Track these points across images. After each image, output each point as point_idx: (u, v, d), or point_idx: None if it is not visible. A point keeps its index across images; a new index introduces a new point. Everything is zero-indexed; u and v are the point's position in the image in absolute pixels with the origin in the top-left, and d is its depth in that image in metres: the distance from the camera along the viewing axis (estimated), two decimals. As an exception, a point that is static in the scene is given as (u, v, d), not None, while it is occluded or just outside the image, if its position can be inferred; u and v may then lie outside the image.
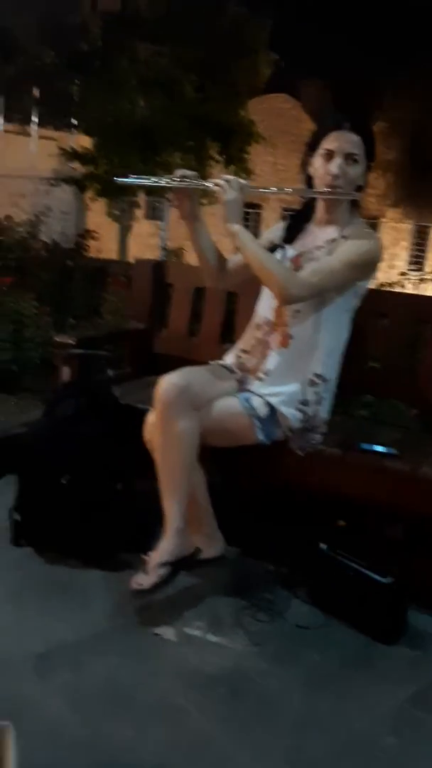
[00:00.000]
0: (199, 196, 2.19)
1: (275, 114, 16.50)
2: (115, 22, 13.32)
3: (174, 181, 2.09)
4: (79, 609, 2.02)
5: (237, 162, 12.60)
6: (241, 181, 2.08)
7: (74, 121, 13.00)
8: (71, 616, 1.98)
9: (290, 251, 2.21)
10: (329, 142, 2.06)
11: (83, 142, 12.85)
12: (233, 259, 2.30)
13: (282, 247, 2.23)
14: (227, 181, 2.05)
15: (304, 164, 2.16)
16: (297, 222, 2.26)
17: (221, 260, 2.31)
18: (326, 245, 2.13)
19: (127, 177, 2.30)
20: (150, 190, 12.21)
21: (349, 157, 2.06)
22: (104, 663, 1.81)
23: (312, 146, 2.12)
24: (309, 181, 2.16)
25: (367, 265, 2.14)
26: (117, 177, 2.26)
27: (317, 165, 2.10)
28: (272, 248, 2.22)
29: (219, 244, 2.28)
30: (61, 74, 12.11)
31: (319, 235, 2.18)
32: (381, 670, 1.88)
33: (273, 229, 2.35)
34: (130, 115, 11.41)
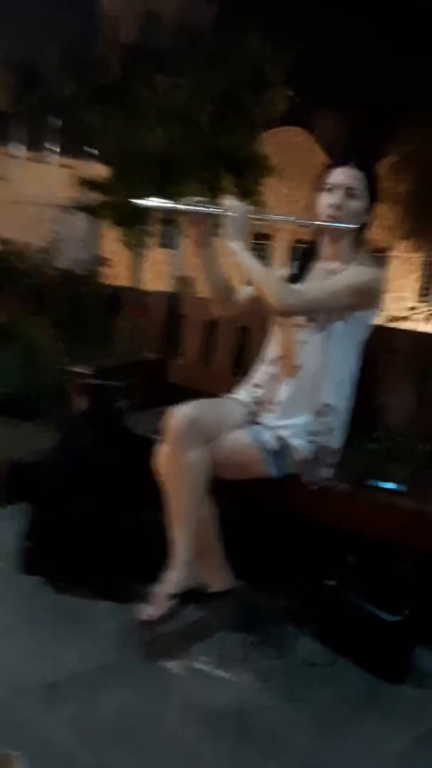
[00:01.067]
0: (211, 225, 2.26)
1: (288, 147, 16.72)
2: (135, 54, 13.60)
3: (189, 205, 2.20)
4: (89, 639, 2.03)
5: (250, 194, 12.75)
6: (246, 207, 2.18)
7: (93, 151, 13.22)
8: (81, 647, 1.99)
9: (305, 286, 2.25)
10: (331, 178, 2.16)
11: (100, 171, 13.05)
12: (243, 291, 2.36)
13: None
14: (234, 205, 2.15)
15: (314, 205, 2.23)
16: (305, 261, 2.31)
17: (229, 289, 2.37)
18: (328, 275, 2.19)
19: (143, 200, 2.38)
20: (164, 219, 12.36)
21: (349, 191, 2.13)
22: (113, 695, 1.81)
23: (320, 186, 2.20)
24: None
25: (368, 292, 2.17)
26: (135, 201, 2.36)
27: (320, 200, 2.18)
28: None
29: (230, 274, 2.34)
30: (82, 105, 12.34)
31: (323, 270, 2.24)
32: (388, 709, 1.87)
33: (279, 270, 2.38)
34: (147, 145, 11.59)
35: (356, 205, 2.15)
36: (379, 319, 2.31)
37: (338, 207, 2.13)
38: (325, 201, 2.15)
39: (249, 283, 2.23)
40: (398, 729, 1.80)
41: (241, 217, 2.14)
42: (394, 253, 18.21)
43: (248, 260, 2.14)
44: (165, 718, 1.77)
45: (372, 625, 2.00)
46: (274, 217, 2.39)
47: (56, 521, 2.27)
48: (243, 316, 2.50)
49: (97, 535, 2.24)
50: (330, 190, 2.15)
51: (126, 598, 2.21)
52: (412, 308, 5.46)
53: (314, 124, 19.48)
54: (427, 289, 20.23)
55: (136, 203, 2.38)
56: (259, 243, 12.08)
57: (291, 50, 12.41)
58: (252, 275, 2.15)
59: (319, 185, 2.20)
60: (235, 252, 2.13)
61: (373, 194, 2.18)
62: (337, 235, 2.19)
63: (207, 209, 2.20)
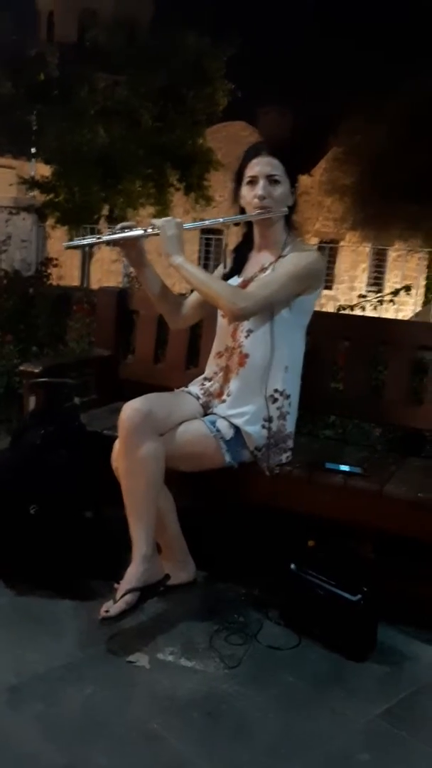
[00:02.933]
0: (144, 244, 2.27)
1: (234, 141, 16.70)
2: (73, 52, 13.46)
3: (116, 233, 2.23)
4: (51, 639, 2.01)
5: (197, 189, 12.75)
6: (177, 220, 2.21)
7: (33, 150, 13.05)
8: (43, 647, 1.97)
9: (236, 280, 2.28)
10: (250, 169, 2.18)
11: (43, 170, 12.88)
12: (188, 300, 2.40)
13: (225, 276, 2.31)
14: (164, 223, 2.18)
15: (235, 198, 2.26)
16: (240, 253, 2.34)
17: (177, 302, 2.41)
18: (268, 266, 2.21)
19: (72, 241, 2.48)
20: (111, 218, 12.28)
21: (271, 178, 2.16)
22: (78, 692, 1.79)
23: (238, 180, 2.23)
24: (242, 212, 2.26)
25: (309, 275, 2.20)
26: (65, 243, 2.42)
27: (244, 193, 2.21)
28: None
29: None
30: (19, 104, 12.15)
31: (260, 260, 2.27)
32: (353, 687, 1.90)
33: (218, 270, 2.40)
34: (89, 143, 11.48)
35: (280, 190, 2.17)
36: (330, 308, 2.34)
37: (264, 196, 2.15)
38: (251, 193, 2.18)
39: (199, 292, 2.24)
40: (363, 706, 1.82)
41: (175, 233, 2.16)
42: (344, 244, 18.42)
43: (194, 272, 2.17)
44: (132, 711, 1.76)
45: (334, 605, 2.03)
46: (207, 222, 2.37)
47: (12, 522, 2.23)
48: (193, 322, 2.51)
49: (55, 534, 2.21)
50: (251, 182, 2.18)
51: (87, 595, 2.19)
52: (362, 296, 5.52)
53: (257, 119, 19.57)
54: (375, 278, 20.52)
55: (68, 245, 2.41)
56: (211, 238, 12.09)
57: (229, 45, 12.44)
58: (200, 286, 2.17)
59: (237, 180, 2.23)
60: (179, 267, 2.16)
61: (292, 177, 2.21)
62: (269, 223, 2.22)
63: (136, 233, 2.21)
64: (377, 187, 14.47)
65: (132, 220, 2.25)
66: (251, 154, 2.20)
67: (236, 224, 2.31)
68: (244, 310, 2.12)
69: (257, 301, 2.12)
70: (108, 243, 2.32)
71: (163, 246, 2.16)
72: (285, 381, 2.20)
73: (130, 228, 2.24)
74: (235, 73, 13.24)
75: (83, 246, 2.48)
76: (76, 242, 2.48)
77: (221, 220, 2.28)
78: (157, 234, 2.19)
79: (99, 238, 2.35)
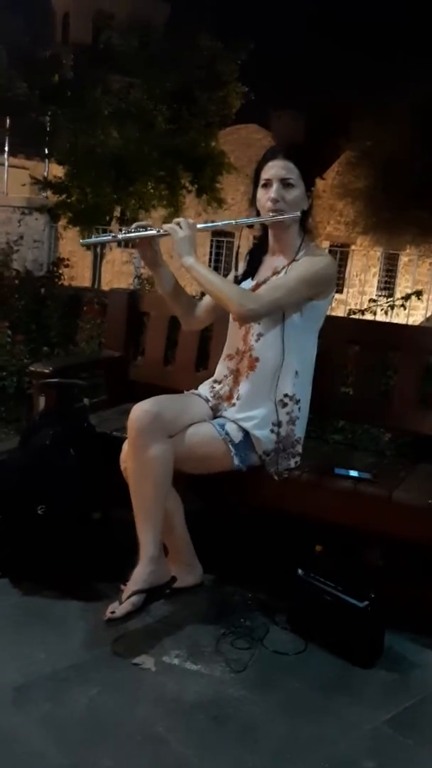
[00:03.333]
0: (158, 244, 2.28)
1: (246, 144, 16.74)
2: (87, 54, 13.48)
3: (131, 232, 2.25)
4: (58, 640, 2.01)
5: (209, 192, 12.75)
6: (190, 221, 2.21)
7: (47, 151, 13.08)
8: (49, 647, 1.97)
9: (249, 283, 2.27)
10: (266, 172, 2.18)
11: (56, 171, 12.91)
12: (202, 303, 2.39)
13: (238, 278, 2.30)
14: (177, 223, 2.19)
15: (253, 200, 2.25)
16: (255, 256, 2.34)
17: (191, 303, 2.41)
18: (281, 270, 2.21)
19: (89, 238, 2.56)
20: (123, 219, 12.30)
21: (285, 182, 2.15)
22: (83, 693, 1.80)
23: (255, 182, 2.23)
24: (258, 215, 2.24)
25: (321, 281, 2.19)
26: (82, 240, 2.57)
27: (259, 196, 2.20)
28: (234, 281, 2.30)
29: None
30: (34, 105, 12.19)
31: (273, 263, 2.26)
32: (359, 694, 1.89)
33: (229, 276, 2.40)
34: (102, 145, 11.51)
35: (294, 194, 2.17)
36: (340, 311, 2.33)
37: (277, 199, 2.15)
38: (264, 196, 2.18)
39: (209, 294, 2.25)
40: (369, 713, 1.81)
41: (188, 234, 2.16)
42: (355, 248, 18.40)
43: (204, 273, 2.17)
44: (137, 713, 1.76)
45: (341, 611, 2.02)
46: (219, 224, 2.38)
47: (20, 522, 2.24)
48: (206, 324, 2.51)
49: (63, 534, 2.21)
50: (266, 185, 2.18)
51: (94, 597, 2.20)
52: (372, 300, 5.50)
53: (270, 122, 19.58)
54: (386, 282, 20.47)
55: (83, 243, 2.56)
56: (222, 240, 12.10)
57: (243, 48, 12.44)
58: (210, 287, 2.16)
59: (255, 183, 2.23)
60: (190, 268, 2.16)
61: (307, 181, 2.20)
62: (282, 227, 2.21)
63: (151, 233, 2.22)
64: (389, 191, 14.44)
65: (146, 221, 2.26)
66: (267, 156, 2.20)
67: (249, 227, 2.30)
68: (253, 311, 2.11)
69: (266, 303, 2.12)
70: (123, 241, 2.33)
71: (175, 246, 2.16)
72: (295, 386, 2.19)
73: (145, 227, 2.24)
74: (249, 76, 13.25)
75: (99, 242, 2.56)
76: (93, 240, 2.72)
77: (233, 222, 2.26)
78: (162, 234, 2.20)
79: (115, 237, 2.36)
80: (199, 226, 2.22)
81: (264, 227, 2.29)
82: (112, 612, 1.99)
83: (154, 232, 2.22)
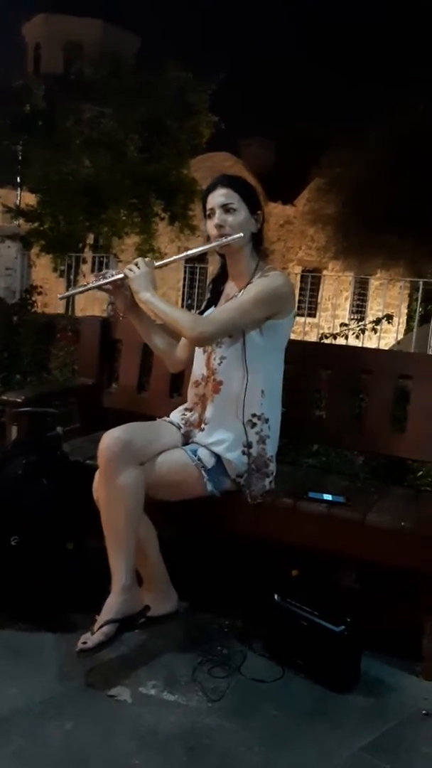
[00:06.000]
0: (128, 288, 2.32)
1: (218, 171, 16.87)
2: (59, 83, 13.61)
3: (99, 279, 2.35)
4: (31, 673, 1.98)
5: (181, 218, 12.86)
6: (147, 259, 2.29)
7: (19, 179, 13.12)
8: (23, 681, 1.93)
9: (213, 311, 2.32)
10: (208, 203, 2.26)
11: (28, 199, 12.94)
12: (181, 342, 2.45)
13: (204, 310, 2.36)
14: (136, 264, 2.26)
15: (207, 237, 2.30)
16: (216, 284, 2.40)
17: (171, 344, 2.47)
18: (238, 294, 2.24)
19: (66, 292, 2.77)
20: (96, 246, 12.34)
21: (225, 207, 2.22)
22: (58, 727, 1.76)
23: (204, 215, 2.30)
24: None
25: (276, 299, 2.21)
26: (60, 295, 2.74)
27: (208, 227, 2.27)
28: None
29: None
30: (5, 134, 12.25)
31: (229, 290, 2.33)
32: (337, 719, 1.88)
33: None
34: (74, 173, 11.58)
35: (238, 217, 2.22)
36: (313, 335, 2.36)
37: (221, 224, 2.21)
38: (210, 224, 2.24)
39: (166, 324, 2.28)
40: (347, 738, 1.81)
41: (144, 272, 2.22)
42: (326, 273, 18.62)
43: (159, 304, 2.20)
44: (113, 746, 1.73)
45: (317, 636, 2.02)
46: (175, 258, 2.48)
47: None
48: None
49: (36, 565, 2.19)
50: (209, 215, 2.25)
51: (68, 628, 2.17)
52: (344, 325, 5.56)
53: (240, 150, 19.86)
54: (358, 306, 20.71)
55: (62, 297, 2.75)
56: (197, 266, 12.18)
57: (212, 78, 12.66)
58: (165, 317, 2.20)
59: (204, 216, 2.30)
60: (148, 302, 2.21)
61: (250, 204, 2.25)
62: (233, 251, 2.26)
63: (111, 279, 2.31)
64: (359, 217, 14.64)
65: (115, 256, 2.32)
66: (208, 190, 2.28)
67: (211, 254, 2.36)
68: (203, 334, 2.14)
69: (217, 324, 2.15)
70: (96, 288, 2.37)
71: (132, 284, 2.23)
72: (262, 405, 2.20)
73: (109, 275, 2.33)
74: (219, 106, 13.47)
75: (76, 294, 2.63)
76: (70, 292, 2.76)
77: (187, 253, 2.39)
78: (124, 278, 2.26)
79: (85, 286, 2.44)
80: (156, 264, 2.30)
81: (223, 256, 2.33)
82: (84, 642, 1.97)
83: (118, 274, 2.30)
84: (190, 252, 2.37)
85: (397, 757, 1.75)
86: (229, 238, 2.21)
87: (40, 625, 2.18)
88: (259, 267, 2.26)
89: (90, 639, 1.97)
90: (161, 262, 2.38)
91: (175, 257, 2.48)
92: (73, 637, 2.06)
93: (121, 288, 2.33)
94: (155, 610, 2.20)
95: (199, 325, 2.16)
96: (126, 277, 2.25)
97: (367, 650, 2.09)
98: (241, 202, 2.23)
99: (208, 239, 2.28)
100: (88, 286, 2.41)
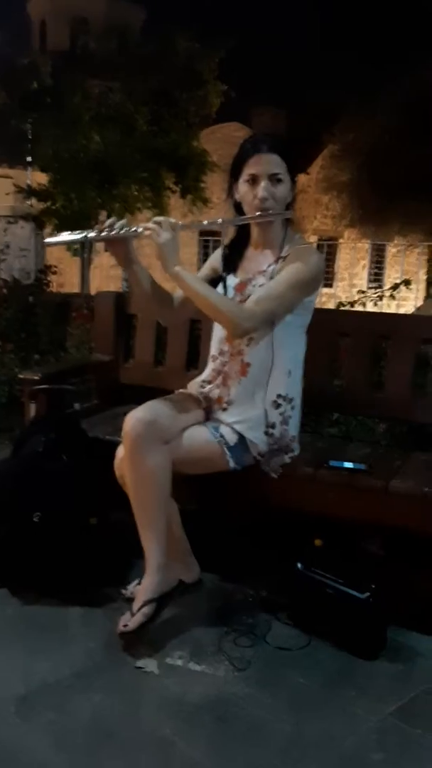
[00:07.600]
0: (132, 241, 2.11)
1: (229, 142, 16.72)
2: (65, 59, 13.48)
3: (102, 232, 2.05)
4: (59, 648, 2.00)
5: (193, 191, 12.75)
6: (171, 220, 2.04)
7: (29, 159, 13.08)
8: (51, 656, 1.95)
9: (233, 279, 2.20)
10: (251, 167, 2.07)
11: (39, 178, 12.90)
12: (178, 295, 2.27)
13: (223, 278, 2.21)
14: (158, 223, 2.02)
15: (230, 192, 2.17)
16: (235, 250, 2.26)
17: (167, 298, 2.27)
18: (267, 269, 2.15)
19: (53, 236, 2.32)
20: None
21: (273, 178, 2.06)
22: (87, 700, 1.78)
23: (234, 174, 2.14)
24: (237, 208, 2.17)
25: (312, 281, 2.14)
26: (45, 240, 2.29)
27: (243, 191, 2.11)
28: (216, 278, 2.22)
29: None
30: (14, 113, 12.19)
31: (258, 259, 2.20)
32: (364, 686, 1.88)
33: (215, 255, 2.33)
34: (84, 150, 11.51)
35: (282, 190, 2.09)
36: (331, 305, 2.31)
37: (267, 197, 2.05)
38: (251, 192, 2.08)
39: (198, 305, 2.11)
40: (375, 705, 1.80)
41: (170, 237, 2.00)
42: (342, 241, 18.40)
43: (194, 284, 2.05)
44: (142, 717, 1.75)
45: (342, 604, 2.01)
46: (204, 223, 2.17)
47: (16, 531, 2.22)
48: (184, 318, 2.48)
49: (60, 541, 2.20)
50: (252, 181, 2.07)
51: (95, 602, 2.18)
52: (362, 292, 5.48)
53: (251, 119, 19.57)
54: (375, 274, 20.50)
55: (47, 242, 2.32)
56: (209, 239, 12.09)
57: (221, 46, 12.45)
58: (201, 301, 2.05)
59: (233, 175, 2.13)
60: (179, 278, 2.03)
61: (293, 174, 2.12)
62: (268, 222, 2.13)
63: (129, 234, 2.05)
64: (374, 182, 14.45)
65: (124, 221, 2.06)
66: (249, 149, 2.09)
67: (236, 225, 2.22)
68: (248, 329, 2.07)
69: (260, 317, 2.06)
70: (97, 241, 2.15)
71: (158, 252, 2.00)
72: (288, 385, 2.16)
73: (117, 227, 2.05)
74: (229, 74, 13.27)
75: (63, 242, 2.28)
76: (57, 239, 2.31)
77: (220, 220, 2.14)
78: (139, 234, 2.05)
79: (85, 236, 2.12)
80: (180, 223, 2.07)
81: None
82: (125, 625, 1.97)
83: (131, 231, 2.05)
84: (225, 221, 2.14)
85: (427, 721, 1.75)
86: (277, 215, 2.09)
87: (65, 600, 2.19)
88: (288, 236, 2.17)
89: (131, 621, 1.97)
90: (185, 223, 2.13)
91: (204, 222, 2.19)
92: (99, 611, 2.08)
93: (123, 241, 2.08)
94: (179, 579, 2.21)
95: (242, 318, 2.04)
96: (146, 235, 2.00)
97: (394, 617, 2.08)
98: (287, 173, 2.09)
99: (236, 205, 2.14)
100: (91, 236, 2.09)
